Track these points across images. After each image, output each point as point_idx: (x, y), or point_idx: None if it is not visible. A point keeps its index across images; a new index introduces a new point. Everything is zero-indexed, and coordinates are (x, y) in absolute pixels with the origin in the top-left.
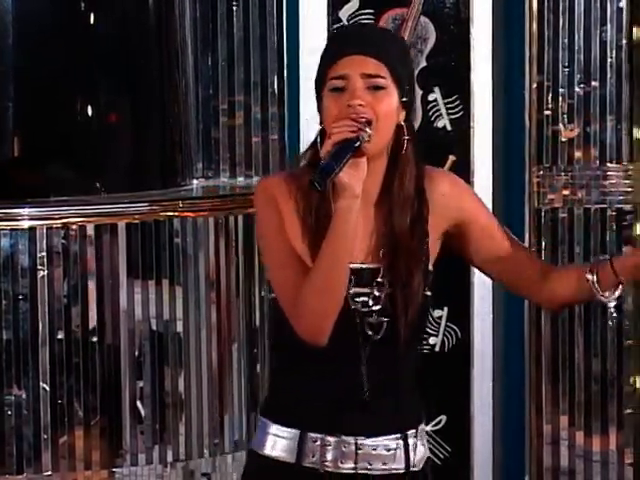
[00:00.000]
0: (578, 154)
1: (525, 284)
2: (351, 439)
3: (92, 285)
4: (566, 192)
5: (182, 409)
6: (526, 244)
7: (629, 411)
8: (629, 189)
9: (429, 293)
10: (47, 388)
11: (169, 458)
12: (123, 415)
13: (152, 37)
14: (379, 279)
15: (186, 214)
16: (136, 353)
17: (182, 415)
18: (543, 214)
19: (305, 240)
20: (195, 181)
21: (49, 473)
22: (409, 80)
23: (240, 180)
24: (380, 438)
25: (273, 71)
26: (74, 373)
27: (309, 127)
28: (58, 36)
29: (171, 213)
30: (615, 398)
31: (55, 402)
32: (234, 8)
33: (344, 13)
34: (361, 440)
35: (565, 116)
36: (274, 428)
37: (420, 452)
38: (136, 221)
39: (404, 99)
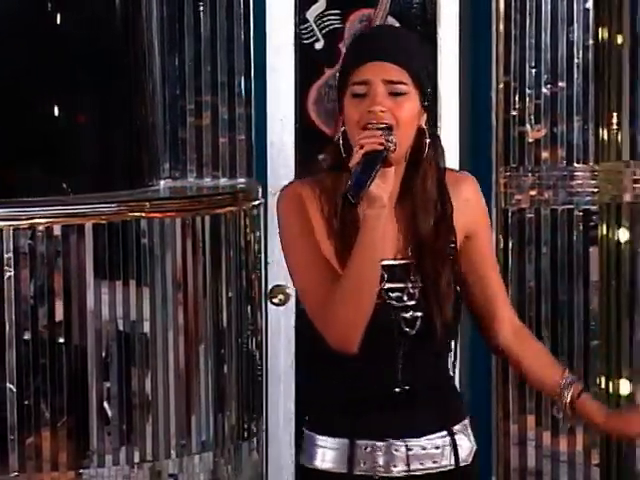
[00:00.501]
0: (545, 155)
1: (484, 324)
2: (400, 442)
3: (59, 286)
4: (533, 192)
5: (149, 410)
6: (493, 244)
7: None
8: (596, 189)
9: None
10: (14, 389)
11: (136, 459)
12: (90, 416)
13: (119, 37)
14: (411, 276)
15: (153, 215)
16: (103, 354)
17: (149, 416)
18: (510, 214)
19: (331, 243)
20: (162, 182)
21: (16, 474)
22: (431, 83)
23: (207, 181)
24: (428, 437)
25: (240, 71)
26: (41, 374)
27: (284, 127)
28: (24, 36)
29: (138, 214)
30: None
31: (22, 403)
32: (201, 8)
33: (311, 13)
34: (410, 441)
35: (532, 117)
36: (322, 440)
37: (468, 447)
38: (103, 222)
39: (426, 103)
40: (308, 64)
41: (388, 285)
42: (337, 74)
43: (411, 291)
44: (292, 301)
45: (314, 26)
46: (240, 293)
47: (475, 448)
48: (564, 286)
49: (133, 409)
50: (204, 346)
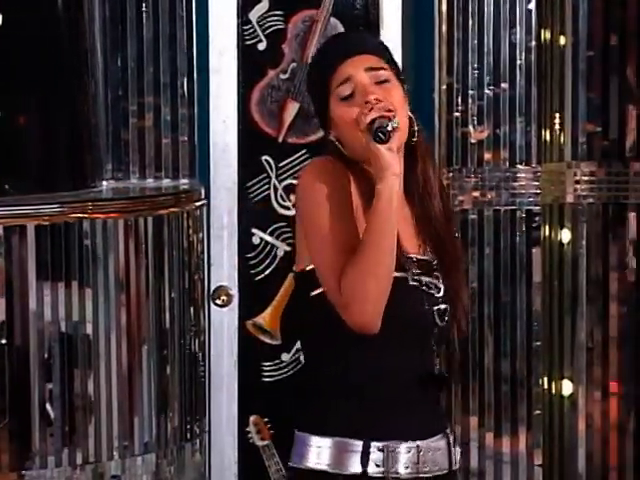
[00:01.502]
0: (488, 156)
1: None
2: (412, 443)
3: (1, 287)
4: (476, 194)
5: (92, 411)
6: None
7: (538, 412)
8: (538, 191)
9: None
10: None
11: (78, 460)
12: (32, 417)
13: (61, 38)
14: (435, 271)
15: (96, 216)
16: (45, 355)
17: (92, 417)
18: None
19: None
20: (105, 182)
21: None
22: (400, 71)
23: (150, 182)
24: (433, 438)
25: (183, 72)
26: None
27: (226, 128)
28: None
29: (81, 215)
30: (524, 399)
31: None
32: (143, 9)
33: (254, 14)
34: (420, 443)
35: (475, 118)
36: (320, 440)
37: (456, 450)
38: (45, 223)
39: (405, 91)
40: (251, 65)
41: (421, 278)
42: (311, 92)
43: (437, 284)
44: (235, 302)
45: (257, 27)
46: (183, 294)
47: (460, 451)
48: (507, 287)
49: (75, 410)
50: (147, 347)
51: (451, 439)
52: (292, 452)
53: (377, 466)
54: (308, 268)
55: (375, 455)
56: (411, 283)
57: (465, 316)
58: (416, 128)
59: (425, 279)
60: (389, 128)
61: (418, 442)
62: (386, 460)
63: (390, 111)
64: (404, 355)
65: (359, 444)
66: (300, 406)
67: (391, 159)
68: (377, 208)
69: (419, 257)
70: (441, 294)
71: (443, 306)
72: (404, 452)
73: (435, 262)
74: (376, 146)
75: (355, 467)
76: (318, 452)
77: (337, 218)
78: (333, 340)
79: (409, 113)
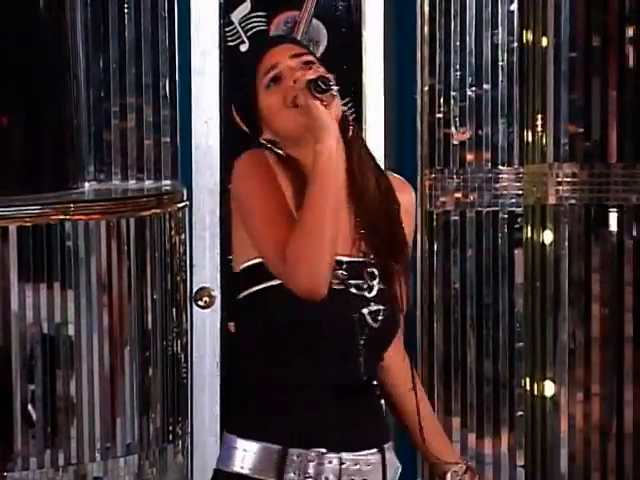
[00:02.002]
0: (470, 157)
1: None
2: (334, 454)
3: None
4: (458, 195)
5: (74, 413)
6: (418, 247)
7: (521, 413)
8: (520, 192)
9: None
10: None
11: (61, 462)
12: (14, 419)
13: (43, 39)
14: (369, 269)
15: (78, 217)
16: (27, 356)
17: (74, 419)
18: (435, 217)
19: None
20: (87, 184)
21: None
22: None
23: (132, 183)
24: (362, 452)
25: (165, 73)
26: None
27: (208, 130)
28: None
29: (63, 216)
30: (507, 400)
31: None
32: (125, 10)
33: (236, 15)
34: (344, 454)
35: (457, 119)
36: (246, 444)
37: (394, 466)
38: (27, 224)
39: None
40: (233, 66)
41: (349, 281)
42: (238, 99)
43: (370, 284)
44: (217, 303)
45: (239, 28)
46: (165, 295)
47: (400, 469)
48: (489, 288)
49: (58, 412)
50: (129, 349)
51: (389, 455)
52: (219, 454)
53: (294, 474)
54: (237, 270)
55: (293, 463)
56: (335, 287)
57: (398, 314)
58: (350, 123)
59: (354, 282)
60: (331, 82)
61: (343, 454)
62: (303, 469)
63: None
64: (327, 362)
65: (277, 450)
66: (230, 407)
67: (330, 120)
68: (317, 169)
69: (348, 259)
70: (374, 294)
71: (375, 307)
72: (325, 463)
73: (369, 260)
74: (315, 105)
75: (272, 474)
76: (243, 456)
77: (276, 201)
78: (257, 343)
79: (342, 107)
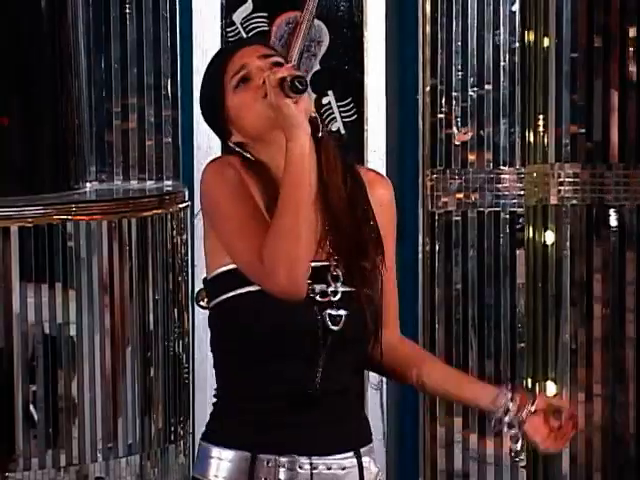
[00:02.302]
0: (472, 157)
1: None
2: (305, 459)
3: None
4: (460, 195)
5: (75, 413)
6: (420, 247)
7: None
8: (522, 192)
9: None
10: None
11: (62, 462)
12: (16, 419)
13: (44, 39)
14: (333, 272)
15: (79, 218)
16: (29, 357)
17: (75, 419)
18: (437, 217)
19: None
20: (88, 184)
21: None
22: None
23: (134, 183)
24: (335, 456)
25: (167, 74)
26: None
27: (211, 130)
28: None
29: (64, 216)
30: None
31: None
32: (127, 10)
33: (238, 16)
34: (315, 459)
35: (458, 119)
36: (219, 451)
37: (373, 471)
38: (29, 225)
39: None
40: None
41: (312, 286)
42: (205, 102)
43: (334, 288)
44: None
45: (241, 29)
46: (167, 296)
47: (380, 473)
48: (491, 288)
49: (59, 412)
50: (131, 349)
51: (367, 459)
52: (195, 462)
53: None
54: (209, 277)
55: (264, 469)
56: None
57: (370, 316)
58: (314, 115)
59: (318, 287)
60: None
61: (314, 458)
62: (274, 475)
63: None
64: (290, 367)
65: (247, 456)
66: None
67: (301, 117)
68: (289, 167)
69: (313, 263)
70: (338, 297)
71: (335, 312)
72: (296, 468)
73: (333, 263)
74: (285, 102)
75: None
76: (217, 464)
77: (248, 207)
78: (223, 351)
79: (312, 108)
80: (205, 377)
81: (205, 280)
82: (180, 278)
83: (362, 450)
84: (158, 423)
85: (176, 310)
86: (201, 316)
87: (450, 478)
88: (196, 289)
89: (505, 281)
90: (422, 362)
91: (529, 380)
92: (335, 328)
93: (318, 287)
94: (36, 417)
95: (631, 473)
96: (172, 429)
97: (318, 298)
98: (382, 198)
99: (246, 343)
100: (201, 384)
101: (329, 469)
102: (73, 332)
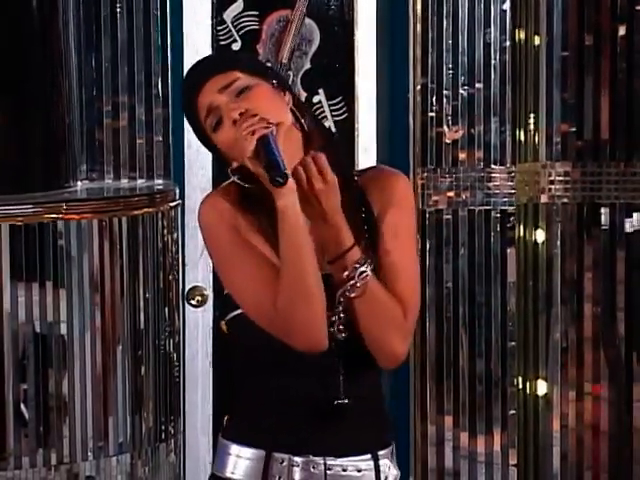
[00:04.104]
0: (462, 156)
1: None
2: (320, 459)
3: None
4: (450, 194)
5: (66, 412)
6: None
7: (513, 412)
8: (513, 191)
9: None
10: None
11: (53, 461)
12: (7, 418)
13: (35, 38)
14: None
15: (70, 216)
16: (20, 355)
17: (66, 418)
18: (427, 215)
19: (264, 241)
20: (79, 183)
21: None
22: (264, 66)
23: (124, 182)
24: (350, 458)
25: (157, 72)
26: None
27: None
28: None
29: (55, 215)
30: (499, 399)
31: None
32: (118, 9)
33: (228, 14)
34: (330, 460)
35: (449, 118)
36: (237, 449)
37: (392, 474)
38: (19, 223)
39: (274, 82)
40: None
41: None
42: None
43: (337, 299)
44: (210, 302)
45: (231, 27)
46: (158, 294)
47: (399, 475)
48: (482, 287)
49: (50, 411)
50: (121, 348)
51: (384, 462)
52: (214, 459)
53: (279, 478)
54: (226, 291)
55: (278, 468)
56: None
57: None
58: (303, 120)
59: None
60: (285, 171)
61: (329, 459)
62: (289, 474)
63: (266, 123)
64: (306, 379)
65: (263, 455)
66: (225, 412)
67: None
68: (283, 229)
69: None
70: (341, 306)
71: (334, 317)
72: (310, 468)
73: (330, 275)
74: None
75: (256, 479)
76: (235, 462)
77: (249, 252)
78: (240, 360)
79: (292, 106)
80: (196, 375)
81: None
82: (171, 277)
83: (380, 453)
84: (149, 422)
85: (167, 309)
86: (192, 315)
87: (441, 477)
88: (187, 288)
89: (496, 280)
90: None
91: (520, 379)
92: (342, 337)
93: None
94: (27, 416)
95: (622, 471)
96: (163, 428)
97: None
98: (396, 198)
99: (261, 357)
100: (192, 383)
101: (344, 470)
102: (64, 331)
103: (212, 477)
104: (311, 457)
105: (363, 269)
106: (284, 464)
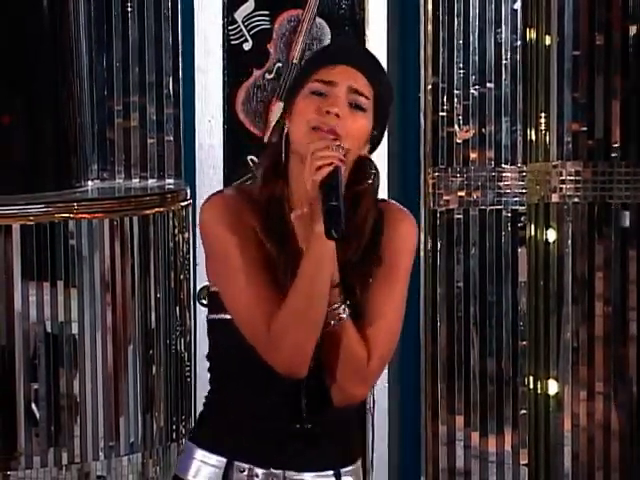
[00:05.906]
0: (473, 155)
1: None
2: (279, 472)
3: None
4: (461, 193)
5: (77, 411)
6: (421, 245)
7: (524, 411)
8: (523, 190)
9: None
10: None
11: (64, 460)
12: (18, 417)
13: (46, 37)
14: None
15: (81, 216)
16: (31, 355)
17: (77, 417)
18: (439, 215)
19: (265, 251)
20: (90, 182)
21: None
22: (385, 117)
23: (135, 182)
24: (311, 474)
25: (168, 72)
26: None
27: (212, 128)
28: None
29: (66, 215)
30: (510, 398)
31: None
32: (129, 9)
33: (240, 14)
34: (290, 474)
35: (460, 117)
36: (202, 454)
37: None
38: (31, 223)
39: (375, 132)
40: (236, 65)
41: None
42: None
43: None
44: None
45: (242, 27)
46: (169, 294)
47: None
48: (493, 287)
49: (61, 410)
50: (132, 347)
51: (347, 479)
52: (178, 460)
53: None
54: (211, 289)
55: (237, 476)
56: None
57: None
58: (373, 172)
59: None
60: (342, 224)
61: (288, 473)
62: None
63: (339, 160)
64: (271, 398)
65: (224, 463)
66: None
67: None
68: (311, 251)
69: None
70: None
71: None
72: (269, 478)
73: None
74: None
75: None
76: (198, 466)
77: (248, 262)
78: (212, 361)
79: (367, 154)
80: (206, 375)
81: (208, 289)
82: (182, 276)
83: (343, 470)
84: (160, 421)
85: (178, 308)
86: (203, 314)
87: (452, 476)
88: (198, 287)
89: (507, 279)
90: None
91: (531, 378)
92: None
93: None
94: (38, 415)
95: (633, 471)
96: (174, 427)
97: None
98: (399, 239)
99: (234, 368)
100: (203, 382)
101: None
102: (75, 330)
103: (175, 478)
104: (272, 470)
105: (340, 311)
106: (244, 473)
